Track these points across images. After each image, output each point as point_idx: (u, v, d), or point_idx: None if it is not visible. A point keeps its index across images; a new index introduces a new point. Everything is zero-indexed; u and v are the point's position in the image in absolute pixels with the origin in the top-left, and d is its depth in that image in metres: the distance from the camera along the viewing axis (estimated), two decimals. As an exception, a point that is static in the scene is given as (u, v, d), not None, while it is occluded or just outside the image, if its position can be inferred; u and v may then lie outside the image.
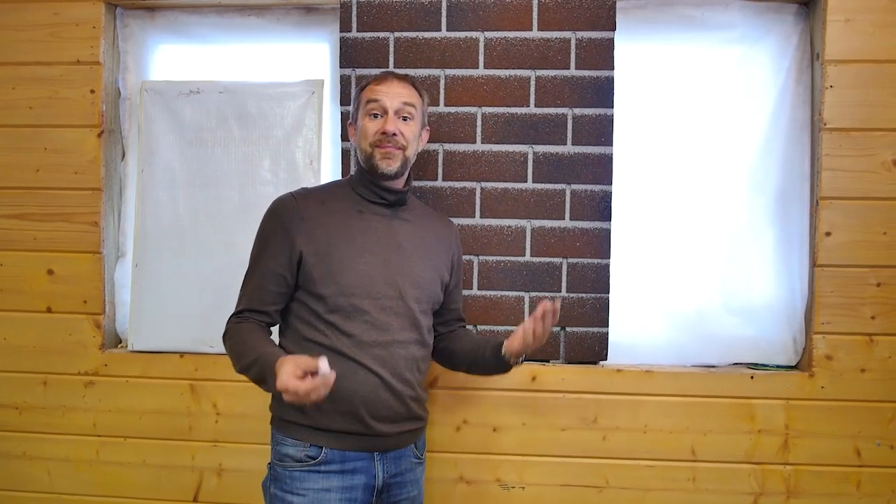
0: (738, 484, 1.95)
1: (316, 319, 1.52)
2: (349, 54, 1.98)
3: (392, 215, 1.61)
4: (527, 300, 1.97)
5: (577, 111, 1.95)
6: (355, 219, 1.57)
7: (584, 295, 1.96)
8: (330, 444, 1.49)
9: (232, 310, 1.57)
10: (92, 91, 2.05)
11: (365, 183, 1.59)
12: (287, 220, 1.54)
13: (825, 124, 1.92)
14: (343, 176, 1.99)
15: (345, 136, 1.99)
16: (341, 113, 1.99)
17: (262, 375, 1.40)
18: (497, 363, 1.60)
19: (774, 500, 1.95)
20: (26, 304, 2.08)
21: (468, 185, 1.97)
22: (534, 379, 1.97)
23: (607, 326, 1.97)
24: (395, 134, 1.55)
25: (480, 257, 1.97)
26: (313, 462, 1.49)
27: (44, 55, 2.06)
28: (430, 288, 1.61)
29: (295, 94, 2.02)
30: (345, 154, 2.00)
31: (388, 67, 1.96)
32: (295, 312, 1.55)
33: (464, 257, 1.95)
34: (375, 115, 1.57)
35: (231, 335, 1.52)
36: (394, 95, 1.57)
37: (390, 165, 1.56)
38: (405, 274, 1.56)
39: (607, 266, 1.96)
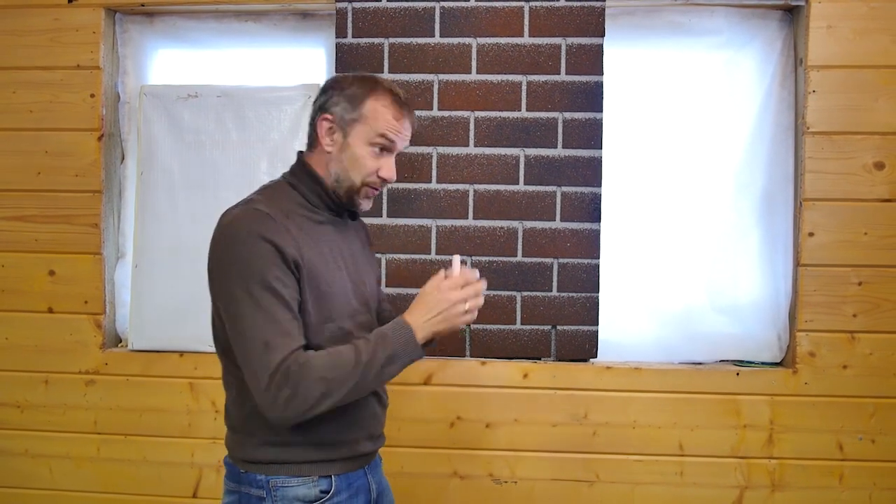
0: (724, 478, 2.00)
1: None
2: (345, 59, 2.02)
3: (339, 222, 1.40)
4: (518, 299, 2.02)
5: (568, 115, 2.00)
6: (318, 231, 1.34)
7: (574, 294, 2.01)
8: (337, 470, 1.33)
9: None
10: (92, 95, 2.09)
11: (319, 193, 1.35)
12: (278, 238, 1.23)
13: (808, 128, 1.97)
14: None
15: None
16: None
17: (387, 359, 1.22)
18: None
19: (760, 493, 2.00)
20: (28, 304, 2.12)
21: (461, 187, 2.02)
22: (525, 376, 2.01)
23: (597, 325, 2.01)
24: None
25: (473, 257, 2.02)
26: (327, 496, 1.31)
27: (44, 60, 2.09)
28: (378, 291, 1.51)
29: (291, 99, 2.06)
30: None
31: (382, 72, 2.00)
32: None
33: (459, 257, 1.93)
34: (380, 150, 1.34)
35: (308, 371, 1.18)
36: (404, 139, 1.37)
37: (369, 206, 1.40)
38: (365, 284, 1.42)
39: (597, 266, 2.01)
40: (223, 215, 1.28)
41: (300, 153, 1.40)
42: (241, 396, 1.29)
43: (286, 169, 1.43)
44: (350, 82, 1.35)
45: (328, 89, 1.36)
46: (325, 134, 1.34)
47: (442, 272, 1.29)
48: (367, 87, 1.34)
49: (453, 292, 1.26)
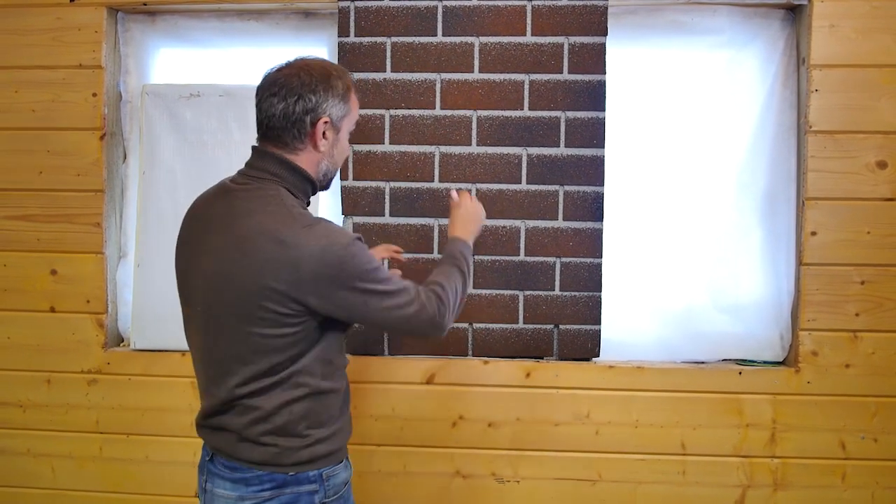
0: (726, 477, 2.00)
1: (341, 342, 1.42)
2: (347, 59, 2.02)
3: None
4: (521, 299, 2.02)
5: (570, 114, 2.00)
6: None
7: (576, 293, 2.01)
8: (346, 450, 1.46)
9: None
10: (94, 94, 2.09)
11: (307, 192, 1.40)
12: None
13: (811, 127, 1.97)
14: (341, 177, 2.03)
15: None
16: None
17: (466, 259, 1.57)
18: None
19: (762, 492, 2.00)
20: (30, 303, 2.11)
21: (464, 186, 2.01)
22: (528, 375, 2.01)
23: (599, 324, 2.02)
24: None
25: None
26: (351, 474, 1.45)
27: (46, 59, 2.09)
28: None
29: (294, 98, 2.06)
30: (343, 156, 2.03)
31: (385, 72, 2.00)
32: (329, 334, 1.36)
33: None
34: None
35: (448, 293, 1.43)
36: None
37: None
38: None
39: (599, 265, 2.01)
40: (294, 242, 1.26)
41: (273, 153, 1.35)
42: (290, 404, 1.32)
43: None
44: (328, 76, 1.34)
45: (316, 90, 1.32)
46: (321, 137, 1.34)
47: (456, 197, 1.68)
48: (346, 80, 1.37)
49: (477, 205, 1.69)
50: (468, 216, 1.66)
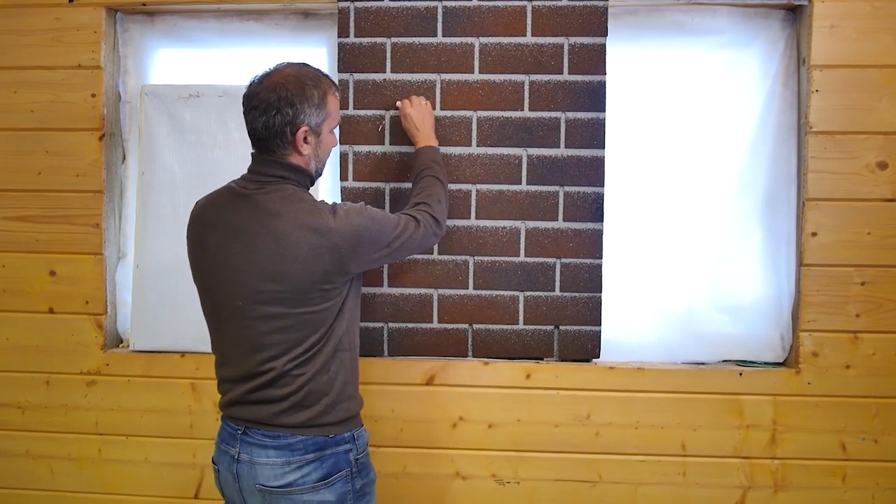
0: (727, 478, 2.00)
1: (359, 294, 1.61)
2: (347, 59, 2.01)
3: None
4: (521, 299, 2.01)
5: (570, 115, 1.99)
6: None
7: (577, 294, 2.01)
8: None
9: None
10: (93, 95, 2.08)
11: (308, 185, 1.57)
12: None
13: (811, 127, 1.96)
14: (341, 178, 2.03)
15: (343, 139, 2.02)
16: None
17: (439, 164, 1.81)
18: None
19: (762, 493, 2.00)
20: (29, 304, 2.11)
21: (464, 186, 2.01)
22: (528, 376, 2.01)
23: (600, 325, 2.01)
24: None
25: (476, 258, 2.01)
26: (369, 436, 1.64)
27: (45, 59, 2.09)
28: None
29: (293, 98, 2.06)
30: (343, 156, 2.03)
31: (385, 72, 2.00)
32: (353, 287, 1.55)
33: (460, 257, 2.00)
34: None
35: (435, 207, 1.69)
36: None
37: None
38: None
39: (599, 266, 2.00)
40: (328, 228, 1.44)
41: (271, 158, 1.50)
42: (329, 362, 1.50)
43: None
44: (303, 87, 1.46)
45: (292, 103, 1.44)
46: (302, 143, 1.48)
47: (409, 100, 1.90)
48: (322, 86, 1.49)
49: (423, 102, 1.91)
50: (423, 118, 1.86)
